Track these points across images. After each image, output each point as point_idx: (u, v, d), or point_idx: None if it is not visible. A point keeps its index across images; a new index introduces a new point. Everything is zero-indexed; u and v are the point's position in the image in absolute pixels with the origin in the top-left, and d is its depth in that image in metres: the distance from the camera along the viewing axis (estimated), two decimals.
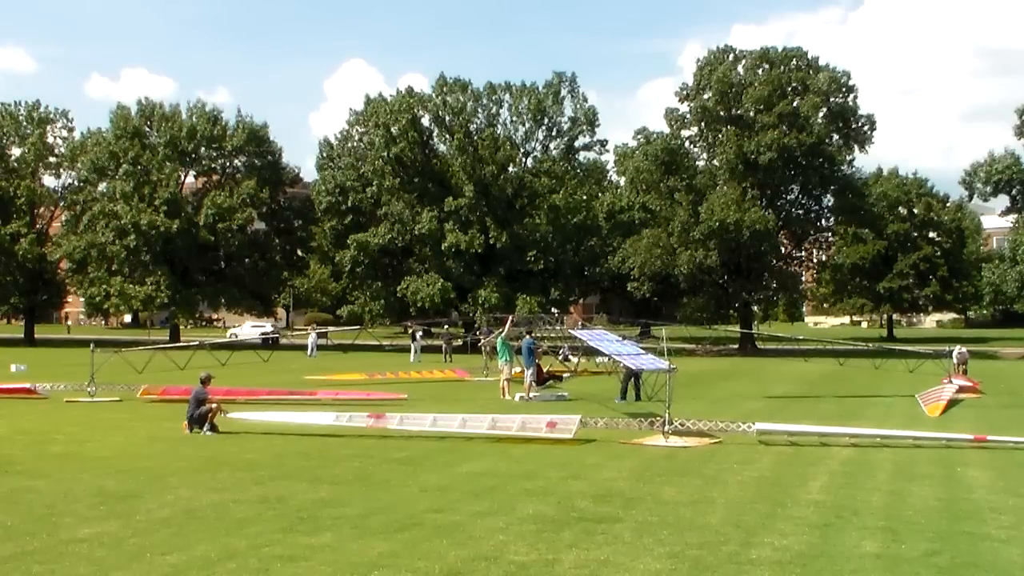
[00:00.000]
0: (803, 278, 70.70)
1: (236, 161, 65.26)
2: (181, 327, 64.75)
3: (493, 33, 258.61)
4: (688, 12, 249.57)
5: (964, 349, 31.68)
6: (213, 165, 65.15)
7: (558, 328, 38.31)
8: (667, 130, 59.15)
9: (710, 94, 57.50)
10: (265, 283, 65.13)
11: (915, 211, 78.23)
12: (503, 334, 25.54)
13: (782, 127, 55.27)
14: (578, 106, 63.00)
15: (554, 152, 63.93)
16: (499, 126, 62.93)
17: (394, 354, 50.94)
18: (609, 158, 69.03)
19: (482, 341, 36.90)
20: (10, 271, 61.38)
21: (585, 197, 66.95)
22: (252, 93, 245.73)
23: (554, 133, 63.68)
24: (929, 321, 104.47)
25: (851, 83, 57.82)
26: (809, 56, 58.93)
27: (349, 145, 67.54)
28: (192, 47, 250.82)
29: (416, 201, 61.32)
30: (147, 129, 63.35)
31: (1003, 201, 64.62)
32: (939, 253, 77.94)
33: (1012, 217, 63.14)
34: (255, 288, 63.83)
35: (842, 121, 58.02)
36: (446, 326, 51.14)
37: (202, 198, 62.33)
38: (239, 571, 7.58)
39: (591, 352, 31.07)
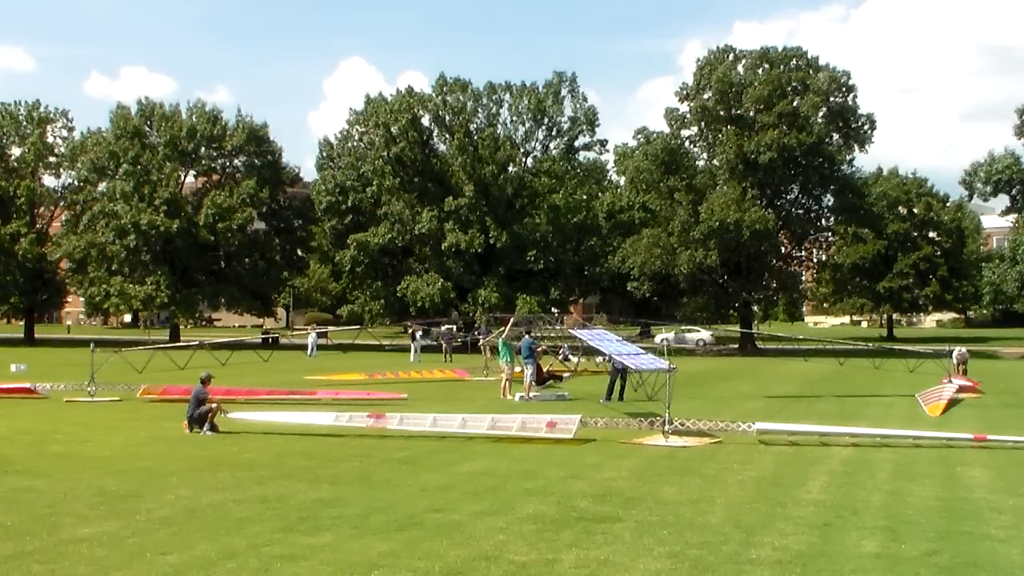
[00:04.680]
0: (803, 278, 70.63)
1: (236, 161, 65.27)
2: (181, 327, 64.70)
3: (493, 33, 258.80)
4: (688, 11, 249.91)
5: (964, 349, 31.67)
6: (213, 165, 65.12)
7: (558, 328, 38.23)
8: (667, 130, 59.13)
9: (710, 94, 57.47)
10: (265, 283, 65.10)
11: (915, 211, 78.22)
12: (504, 335, 25.52)
13: (782, 127, 55.23)
14: (578, 106, 63.08)
15: (554, 152, 63.93)
16: (499, 126, 62.98)
17: (394, 354, 50.91)
18: (609, 158, 69.15)
19: (481, 341, 36.88)
20: (10, 271, 61.34)
21: (585, 197, 67.01)
22: (252, 93, 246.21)
23: (554, 133, 63.71)
24: (929, 321, 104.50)
25: (851, 82, 57.83)
26: (809, 56, 58.93)
27: (349, 145, 67.51)
28: (192, 47, 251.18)
29: (416, 201, 61.30)
30: (147, 129, 63.30)
31: (1003, 201, 64.69)
32: (939, 253, 77.95)
33: (1012, 217, 63.14)
34: (255, 288, 63.83)
35: (842, 121, 57.98)
36: (444, 326, 51.06)
37: (202, 198, 62.31)
38: (239, 571, 7.58)
39: (591, 352, 31.06)
